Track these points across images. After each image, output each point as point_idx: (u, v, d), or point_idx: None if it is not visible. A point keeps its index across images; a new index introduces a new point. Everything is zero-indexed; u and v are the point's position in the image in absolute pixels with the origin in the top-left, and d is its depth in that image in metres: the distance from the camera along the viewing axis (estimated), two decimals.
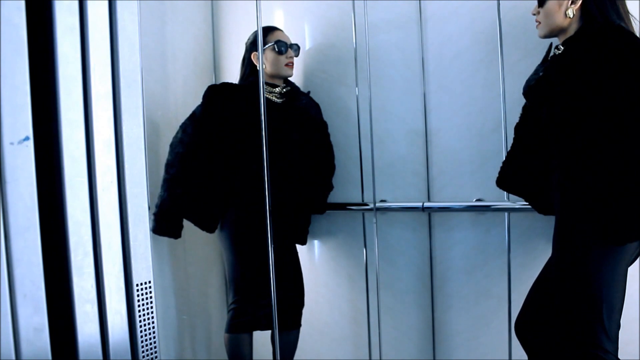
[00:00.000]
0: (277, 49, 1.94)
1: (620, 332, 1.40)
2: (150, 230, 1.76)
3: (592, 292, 1.33)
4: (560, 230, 1.42)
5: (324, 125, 2.07)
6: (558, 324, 1.40)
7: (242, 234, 1.92)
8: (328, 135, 2.09)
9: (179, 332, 2.20)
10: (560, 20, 1.43)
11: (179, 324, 2.20)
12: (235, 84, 1.98)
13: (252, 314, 1.93)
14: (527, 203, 1.60)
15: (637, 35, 1.42)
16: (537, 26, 1.51)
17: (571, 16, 1.41)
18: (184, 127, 1.93)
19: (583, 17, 1.41)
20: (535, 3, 1.50)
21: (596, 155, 1.31)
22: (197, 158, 1.88)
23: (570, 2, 1.41)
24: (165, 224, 1.89)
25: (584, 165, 1.33)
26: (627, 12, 1.42)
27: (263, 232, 1.92)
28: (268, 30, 1.98)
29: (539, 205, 1.58)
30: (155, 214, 1.88)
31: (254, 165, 1.87)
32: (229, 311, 1.97)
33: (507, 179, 1.57)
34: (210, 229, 1.94)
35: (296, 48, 2.01)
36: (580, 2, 1.40)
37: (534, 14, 1.52)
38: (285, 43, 1.96)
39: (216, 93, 1.92)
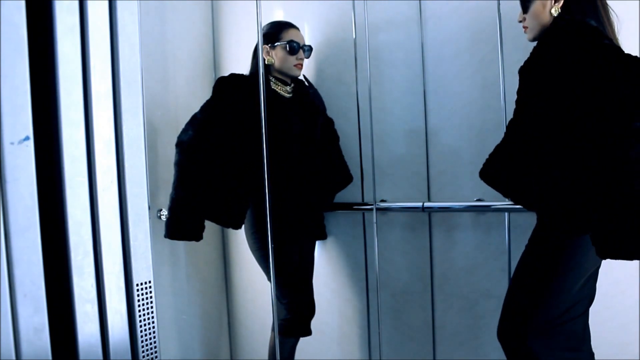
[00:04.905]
0: (288, 49, 1.89)
1: (620, 332, 1.41)
2: (165, 236, 1.74)
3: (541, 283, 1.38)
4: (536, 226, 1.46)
5: (330, 122, 2.07)
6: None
7: (276, 235, 1.83)
8: (335, 130, 2.08)
9: (179, 332, 2.20)
10: (546, 20, 1.43)
11: (179, 324, 2.19)
12: (245, 75, 1.91)
13: (304, 319, 1.92)
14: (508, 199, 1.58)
15: (615, 33, 1.42)
16: (525, 31, 1.51)
17: (555, 15, 1.41)
18: (194, 123, 1.82)
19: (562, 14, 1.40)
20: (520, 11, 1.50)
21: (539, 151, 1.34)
22: (214, 153, 1.77)
23: (554, 1, 1.41)
24: (185, 225, 1.75)
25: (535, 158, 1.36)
26: (607, 11, 1.40)
27: (293, 229, 1.90)
28: (283, 27, 1.93)
29: (521, 200, 1.55)
30: (170, 218, 1.74)
31: (276, 160, 1.79)
32: (285, 310, 1.93)
33: (490, 172, 1.53)
34: (236, 225, 1.82)
35: (308, 49, 1.95)
36: (563, 0, 1.39)
37: (520, 21, 1.51)
38: (298, 43, 1.90)
39: (227, 85, 1.84)
